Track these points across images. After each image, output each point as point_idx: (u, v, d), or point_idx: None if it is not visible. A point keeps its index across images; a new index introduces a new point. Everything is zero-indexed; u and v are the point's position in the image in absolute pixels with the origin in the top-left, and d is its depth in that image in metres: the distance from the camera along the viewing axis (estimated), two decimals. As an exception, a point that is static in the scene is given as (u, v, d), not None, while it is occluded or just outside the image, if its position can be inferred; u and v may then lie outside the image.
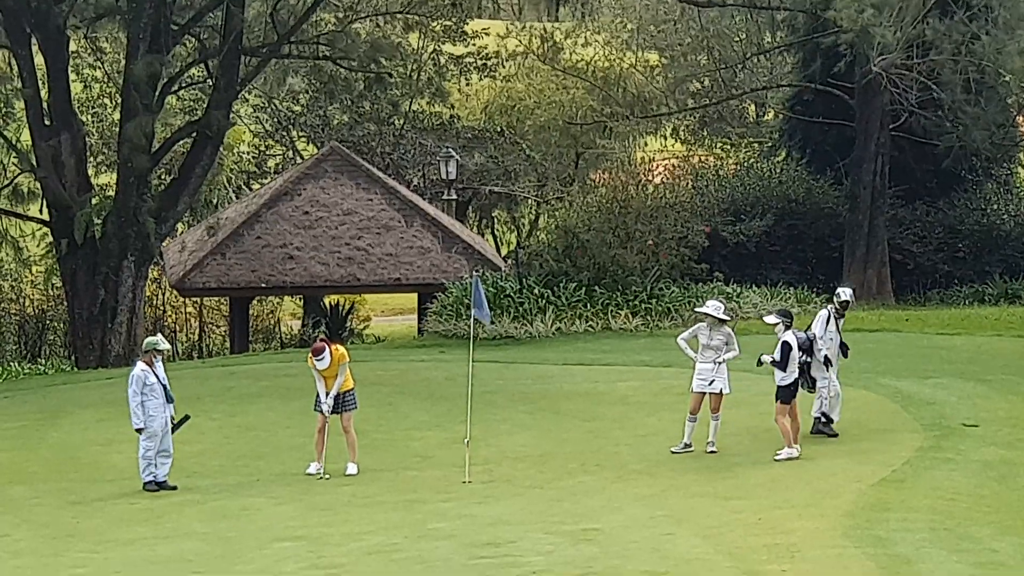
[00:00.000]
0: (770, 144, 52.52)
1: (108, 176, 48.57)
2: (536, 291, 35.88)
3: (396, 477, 21.40)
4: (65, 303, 42.17)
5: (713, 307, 22.10)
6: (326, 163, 43.48)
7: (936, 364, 28.70)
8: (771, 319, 21.97)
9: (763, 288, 38.46)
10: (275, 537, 17.81)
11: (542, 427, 24.35)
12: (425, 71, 53.85)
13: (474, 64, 55.36)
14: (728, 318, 22.45)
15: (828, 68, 41.60)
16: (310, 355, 21.61)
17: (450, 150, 48.84)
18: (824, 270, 43.25)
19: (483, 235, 57.33)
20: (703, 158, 52.69)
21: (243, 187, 54.52)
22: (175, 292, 45.76)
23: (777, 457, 21.09)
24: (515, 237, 58.97)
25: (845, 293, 23.03)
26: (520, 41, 57.12)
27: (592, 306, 35.65)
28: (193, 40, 42.59)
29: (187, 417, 21.77)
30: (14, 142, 41.86)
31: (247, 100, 53.09)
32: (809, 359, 21.93)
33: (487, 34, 56.24)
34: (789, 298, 37.66)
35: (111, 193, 40.69)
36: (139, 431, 21.07)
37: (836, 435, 22.40)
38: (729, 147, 58.24)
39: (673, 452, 21.99)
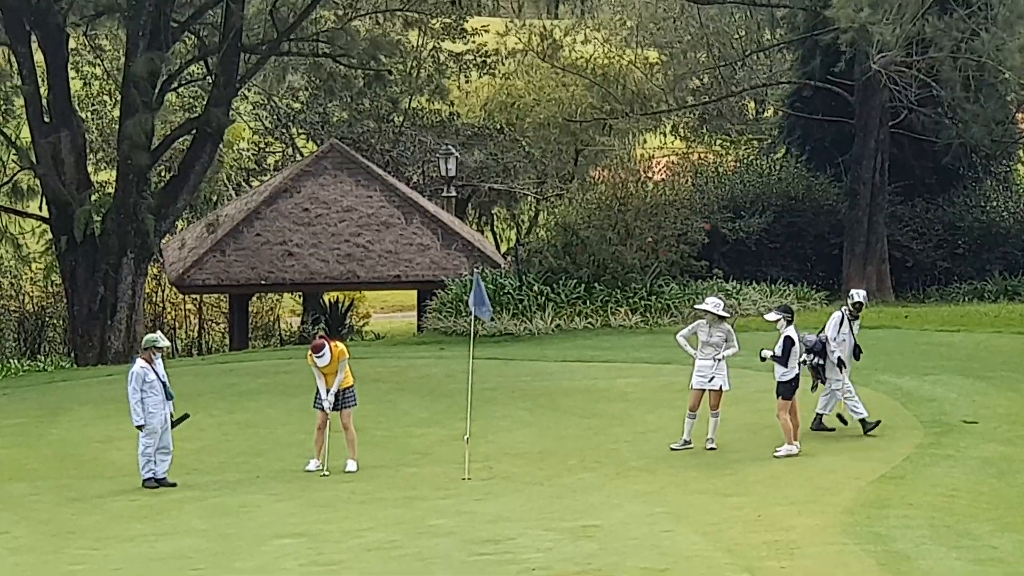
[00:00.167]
0: (770, 141, 52.52)
1: (108, 173, 48.56)
2: (536, 288, 35.90)
3: (396, 474, 21.41)
4: (64, 300, 42.16)
5: (713, 304, 22.11)
6: (326, 160, 43.46)
7: (935, 361, 28.71)
8: (772, 316, 22.01)
9: (763, 285, 38.49)
10: (275, 534, 17.82)
11: (542, 424, 24.36)
12: (425, 68, 53.85)
13: (474, 61, 55.35)
14: (728, 315, 22.45)
15: (827, 65, 41.58)
16: (310, 352, 21.60)
17: (450, 147, 48.82)
18: (823, 267, 43.28)
19: (483, 232, 57.31)
20: (703, 155, 52.66)
21: (243, 184, 54.51)
22: (175, 289, 45.74)
23: (777, 454, 21.11)
24: (515, 234, 58.93)
25: (859, 295, 22.97)
26: (519, 38, 57.15)
27: (592, 303, 35.67)
28: (193, 37, 42.58)
29: (186, 415, 21.77)
30: (14, 139, 41.83)
31: (247, 97, 53.09)
32: (822, 361, 21.96)
33: (487, 31, 56.24)
34: (789, 295, 37.70)
35: (111, 190, 40.68)
36: (140, 428, 21.09)
37: (833, 429, 22.43)
38: (729, 144, 58.23)
39: (673, 449, 22.00)
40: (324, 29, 43.25)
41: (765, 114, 58.67)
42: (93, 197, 38.96)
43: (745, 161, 48.70)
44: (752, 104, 59.49)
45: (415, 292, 44.56)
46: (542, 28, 58.72)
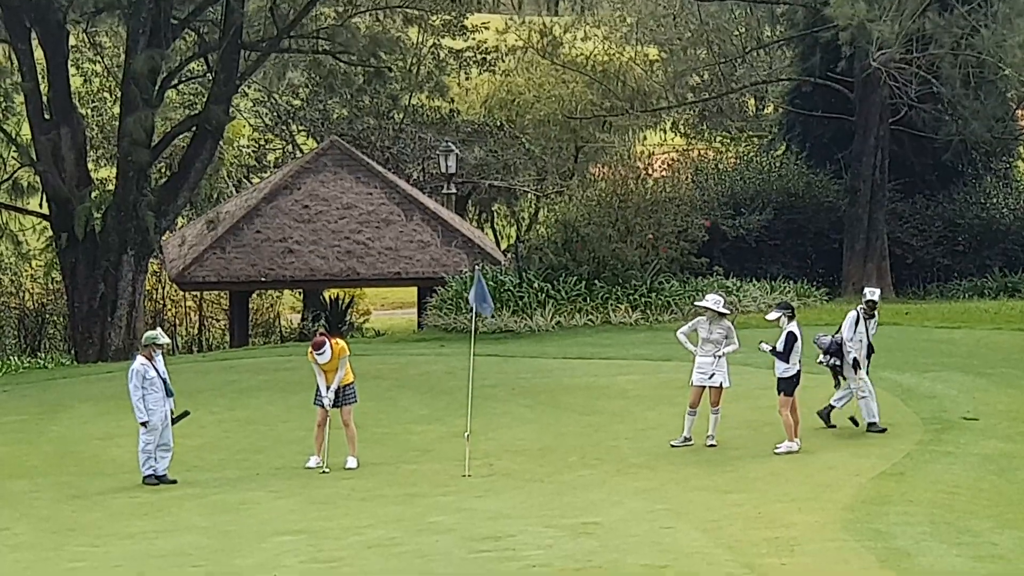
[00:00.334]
0: (770, 138, 52.53)
1: (108, 170, 48.59)
2: (536, 285, 35.89)
3: (396, 471, 21.40)
4: (65, 297, 42.18)
5: (713, 301, 22.11)
6: (326, 157, 43.46)
7: (936, 358, 28.70)
8: (772, 315, 21.99)
9: (763, 282, 38.49)
10: (275, 531, 17.81)
11: (542, 421, 24.35)
12: (425, 65, 53.87)
13: (473, 58, 55.37)
14: (728, 312, 22.45)
15: (827, 62, 41.60)
16: (310, 349, 21.60)
17: (450, 144, 48.80)
18: (824, 264, 43.29)
19: (483, 229, 57.30)
20: (703, 152, 52.71)
21: (243, 181, 54.53)
22: (175, 286, 45.77)
23: (777, 451, 21.10)
24: (515, 231, 58.94)
25: (872, 293, 22.83)
26: (519, 35, 57.15)
27: (592, 300, 35.67)
28: (193, 34, 42.60)
29: (187, 412, 21.78)
30: (14, 136, 41.84)
31: (247, 94, 53.10)
32: (839, 362, 21.93)
33: (487, 28, 56.27)
34: (789, 292, 37.68)
35: (111, 187, 40.69)
36: (143, 425, 21.07)
37: (835, 426, 22.41)
38: (729, 141, 58.24)
39: (673, 446, 21.99)
40: (324, 26, 43.29)
41: (765, 111, 58.68)
42: (93, 194, 38.99)
43: (745, 158, 48.72)
44: (752, 101, 59.48)
45: (415, 289, 44.57)
46: (542, 25, 58.71)
